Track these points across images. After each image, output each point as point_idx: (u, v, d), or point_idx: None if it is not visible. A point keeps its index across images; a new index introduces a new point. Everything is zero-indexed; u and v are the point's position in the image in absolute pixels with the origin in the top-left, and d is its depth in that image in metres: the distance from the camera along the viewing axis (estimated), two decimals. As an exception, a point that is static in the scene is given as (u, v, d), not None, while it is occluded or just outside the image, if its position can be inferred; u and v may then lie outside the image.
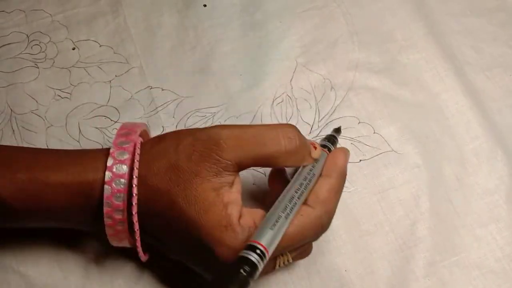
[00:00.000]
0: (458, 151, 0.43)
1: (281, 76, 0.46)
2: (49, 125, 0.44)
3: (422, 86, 0.46)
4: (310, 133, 0.44)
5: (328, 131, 0.43)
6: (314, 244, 0.39)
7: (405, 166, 0.42)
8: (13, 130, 0.43)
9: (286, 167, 0.36)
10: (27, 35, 0.47)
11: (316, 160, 0.34)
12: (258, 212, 0.32)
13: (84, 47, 0.47)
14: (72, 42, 0.47)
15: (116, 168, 0.32)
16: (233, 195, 0.32)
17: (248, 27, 0.48)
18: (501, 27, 0.49)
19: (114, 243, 0.34)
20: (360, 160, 0.43)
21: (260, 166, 0.34)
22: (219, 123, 0.44)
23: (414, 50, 0.47)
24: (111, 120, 0.44)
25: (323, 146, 0.37)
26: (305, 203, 0.32)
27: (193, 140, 0.32)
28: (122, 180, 0.32)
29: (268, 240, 0.29)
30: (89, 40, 0.47)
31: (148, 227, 0.33)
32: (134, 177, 0.31)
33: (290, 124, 0.33)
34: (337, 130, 0.41)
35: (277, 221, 0.30)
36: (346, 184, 0.41)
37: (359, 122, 0.44)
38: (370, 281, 0.39)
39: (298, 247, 0.33)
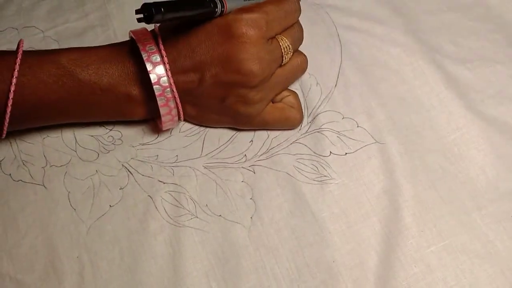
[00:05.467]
0: (440, 141, 0.44)
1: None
2: (46, 136, 0.45)
3: (403, 80, 0.47)
4: (300, 129, 0.45)
5: (316, 125, 0.45)
6: (302, 237, 0.40)
7: (389, 156, 0.43)
8: (10, 142, 0.45)
9: None
10: (20, 51, 0.49)
11: None
12: None
13: (75, 59, 0.48)
14: (64, 55, 0.48)
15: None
16: None
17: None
18: (478, 21, 0.50)
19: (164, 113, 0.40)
20: (346, 153, 0.44)
21: None
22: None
23: (395, 45, 0.48)
24: (106, 128, 0.45)
25: None
26: None
27: None
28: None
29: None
30: (80, 53, 0.49)
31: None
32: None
33: None
34: None
35: None
36: (333, 176, 0.42)
37: (343, 118, 0.45)
38: (358, 271, 0.39)
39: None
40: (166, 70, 0.38)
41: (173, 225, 0.41)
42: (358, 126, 0.45)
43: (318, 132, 0.45)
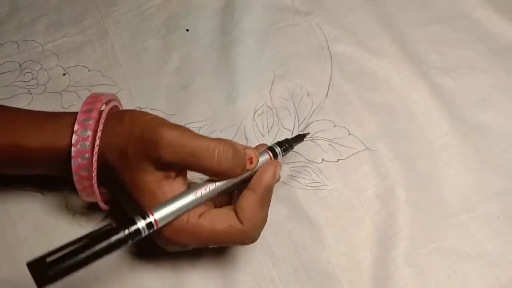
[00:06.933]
0: (429, 146, 0.46)
1: (260, 88, 0.49)
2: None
3: (392, 89, 0.49)
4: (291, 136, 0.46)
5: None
6: (299, 239, 0.41)
7: (380, 162, 0.45)
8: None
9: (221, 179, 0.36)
10: (19, 64, 0.50)
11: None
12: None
13: (73, 72, 0.49)
14: (63, 68, 0.50)
15: (80, 145, 0.35)
16: (175, 186, 0.35)
17: (228, 46, 0.52)
18: (462, 32, 0.52)
19: (83, 196, 0.38)
20: (338, 160, 0.45)
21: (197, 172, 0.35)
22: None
23: (383, 56, 0.50)
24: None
25: (271, 149, 0.38)
26: (237, 217, 0.35)
27: (140, 133, 0.34)
28: (86, 155, 0.35)
29: (162, 213, 0.32)
30: (78, 65, 0.50)
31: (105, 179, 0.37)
32: (95, 153, 0.35)
33: (227, 141, 0.34)
34: (300, 137, 0.42)
35: (179, 198, 0.33)
36: (326, 182, 0.43)
37: (334, 126, 0.47)
38: (353, 272, 0.40)
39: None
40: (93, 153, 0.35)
41: (171, 230, 0.42)
42: (349, 134, 0.46)
43: (310, 140, 0.46)
